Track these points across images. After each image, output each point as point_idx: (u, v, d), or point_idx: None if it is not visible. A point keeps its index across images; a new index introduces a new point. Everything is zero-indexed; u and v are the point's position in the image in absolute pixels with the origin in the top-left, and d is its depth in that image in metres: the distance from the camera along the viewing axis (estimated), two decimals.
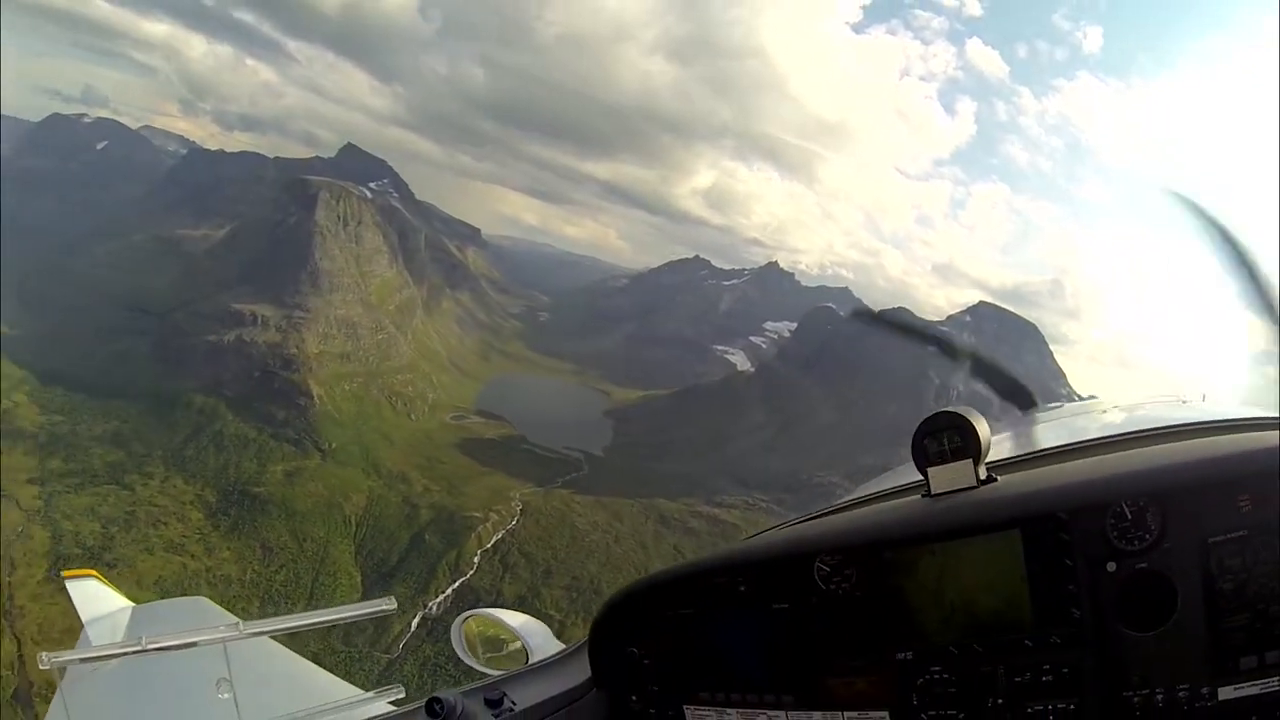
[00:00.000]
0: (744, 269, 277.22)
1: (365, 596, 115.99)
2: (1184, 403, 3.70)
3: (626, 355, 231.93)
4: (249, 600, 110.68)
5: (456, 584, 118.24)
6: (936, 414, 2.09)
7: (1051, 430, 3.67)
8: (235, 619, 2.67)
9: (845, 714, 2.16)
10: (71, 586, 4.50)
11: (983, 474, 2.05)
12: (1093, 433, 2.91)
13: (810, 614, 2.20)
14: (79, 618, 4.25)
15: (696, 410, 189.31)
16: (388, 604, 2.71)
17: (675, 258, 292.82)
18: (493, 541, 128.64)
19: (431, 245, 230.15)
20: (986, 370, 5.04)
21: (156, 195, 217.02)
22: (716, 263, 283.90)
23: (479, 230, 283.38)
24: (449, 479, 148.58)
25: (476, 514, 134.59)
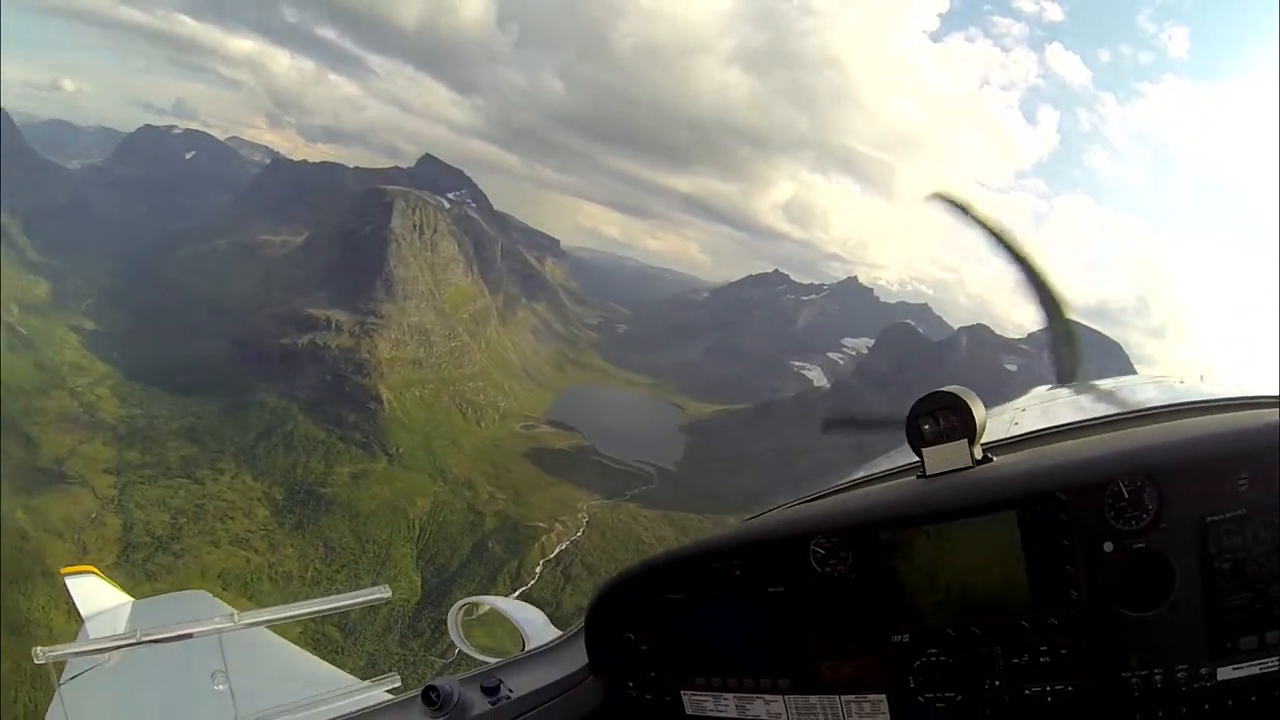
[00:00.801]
0: (823, 284, 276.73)
1: (425, 601, 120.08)
2: (1181, 382, 3.72)
3: (703, 369, 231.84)
4: (308, 598, 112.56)
5: (516, 593, 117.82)
6: (931, 394, 2.08)
7: (1049, 410, 3.68)
8: (234, 611, 2.60)
9: (842, 697, 2.17)
10: (71, 583, 4.53)
11: (978, 454, 2.06)
12: (1090, 413, 2.94)
13: (806, 597, 2.20)
14: (78, 614, 4.30)
15: (771, 426, 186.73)
16: (381, 592, 2.73)
17: (755, 271, 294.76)
18: (556, 552, 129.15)
19: (509, 255, 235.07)
20: (1059, 321, 5.00)
21: (241, 203, 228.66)
22: (796, 277, 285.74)
23: (558, 241, 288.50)
24: (516, 487, 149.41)
25: (541, 524, 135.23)
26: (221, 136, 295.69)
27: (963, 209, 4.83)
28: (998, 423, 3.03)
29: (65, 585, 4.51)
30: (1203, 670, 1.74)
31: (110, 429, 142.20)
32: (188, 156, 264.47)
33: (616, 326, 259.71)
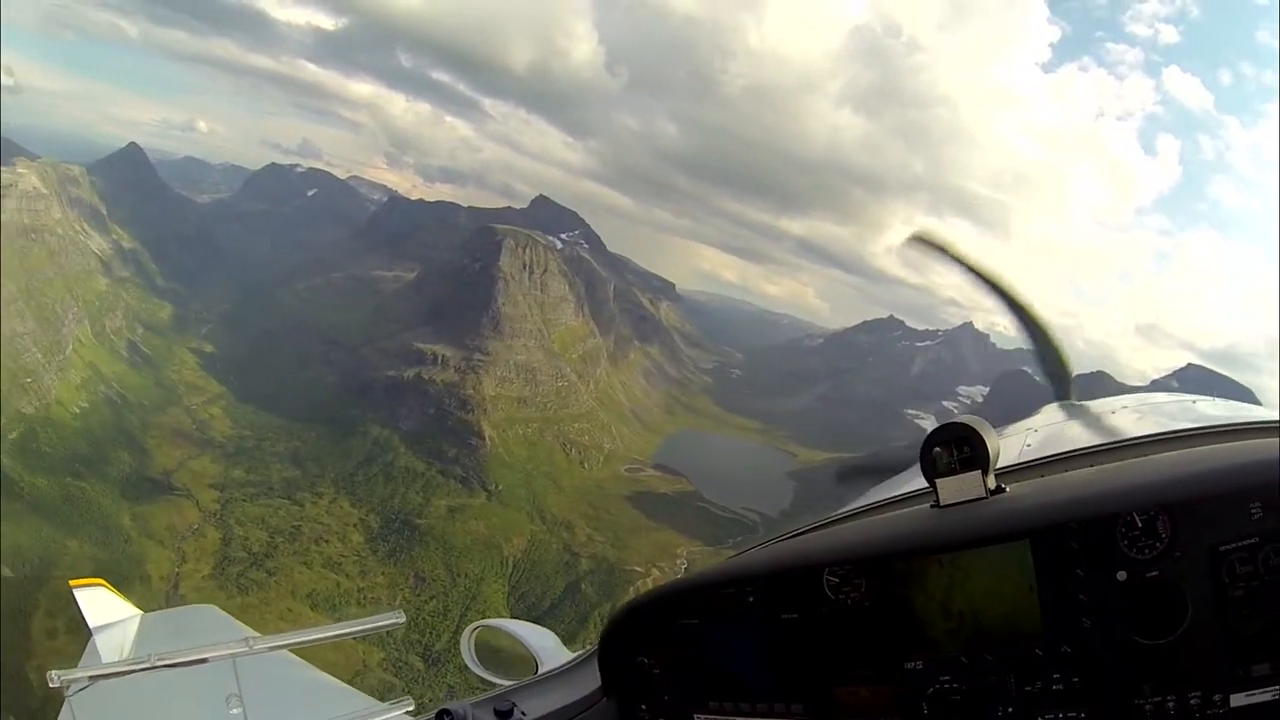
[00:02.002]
0: (938, 330, 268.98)
1: None
2: (1194, 402, 3.86)
3: (816, 416, 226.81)
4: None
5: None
6: (945, 425, 2.16)
7: (1061, 432, 3.76)
8: (248, 630, 2.83)
9: None
10: (79, 595, 4.54)
11: (991, 484, 2.13)
12: (1101, 435, 3.01)
13: (819, 624, 2.26)
14: (87, 627, 4.31)
15: (882, 477, 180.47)
16: (397, 617, 2.69)
17: (870, 317, 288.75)
18: None
19: (621, 297, 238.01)
20: (1042, 342, 5.08)
21: (357, 239, 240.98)
22: (911, 323, 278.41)
23: (673, 285, 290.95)
24: (615, 530, 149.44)
25: (638, 568, 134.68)
26: (342, 175, 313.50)
27: (942, 250, 5.00)
28: (1010, 444, 3.16)
29: (74, 597, 4.49)
30: (1216, 697, 1.77)
31: (219, 447, 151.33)
32: (309, 194, 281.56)
33: (730, 371, 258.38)
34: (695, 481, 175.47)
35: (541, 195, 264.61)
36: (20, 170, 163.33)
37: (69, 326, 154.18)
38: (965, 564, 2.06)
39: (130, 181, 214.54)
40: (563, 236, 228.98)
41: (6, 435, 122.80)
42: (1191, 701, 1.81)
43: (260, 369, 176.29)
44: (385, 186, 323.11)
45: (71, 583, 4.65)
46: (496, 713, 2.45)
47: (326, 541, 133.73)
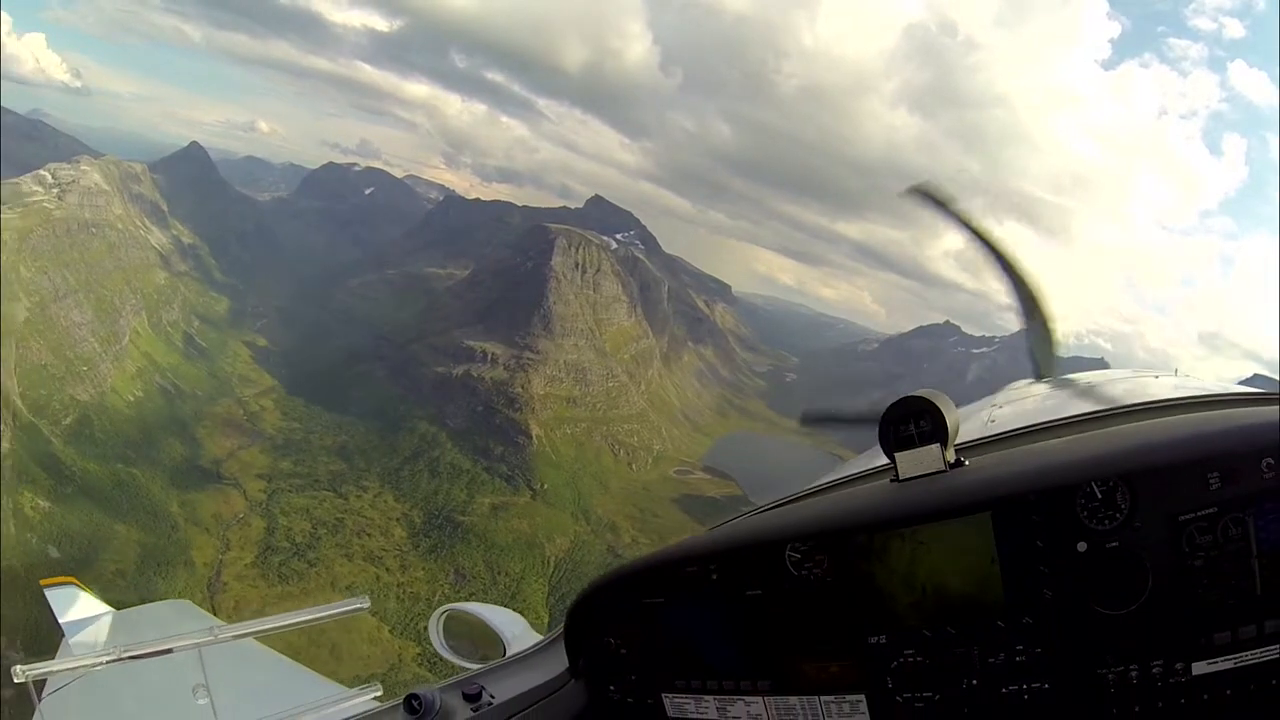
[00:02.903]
0: (995, 336, 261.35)
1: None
2: (1156, 378, 3.89)
3: None
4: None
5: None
6: (904, 399, 2.17)
7: (1023, 408, 3.84)
8: (215, 623, 2.91)
9: (822, 698, 2.26)
10: (50, 595, 4.65)
11: (951, 457, 2.14)
12: (1063, 411, 3.06)
13: (783, 600, 2.29)
14: (59, 627, 4.44)
15: None
16: (361, 603, 2.92)
17: (927, 323, 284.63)
18: None
19: (676, 298, 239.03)
20: (1036, 315, 5.15)
21: (413, 237, 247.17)
22: (967, 329, 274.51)
23: (729, 287, 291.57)
24: (660, 533, 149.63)
25: None
26: (400, 174, 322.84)
27: (943, 205, 4.98)
28: (974, 421, 3.32)
29: (45, 596, 4.64)
30: (1178, 666, 1.83)
31: (268, 438, 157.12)
32: (366, 192, 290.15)
33: (785, 374, 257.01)
34: (744, 485, 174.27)
35: (597, 195, 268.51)
36: (83, 167, 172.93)
37: (126, 318, 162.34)
38: (926, 538, 2.08)
39: (191, 179, 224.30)
40: (618, 237, 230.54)
41: (61, 420, 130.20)
42: (1154, 671, 1.85)
43: (312, 363, 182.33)
44: (442, 185, 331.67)
45: (42, 582, 4.82)
46: (464, 696, 2.49)
47: (369, 535, 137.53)
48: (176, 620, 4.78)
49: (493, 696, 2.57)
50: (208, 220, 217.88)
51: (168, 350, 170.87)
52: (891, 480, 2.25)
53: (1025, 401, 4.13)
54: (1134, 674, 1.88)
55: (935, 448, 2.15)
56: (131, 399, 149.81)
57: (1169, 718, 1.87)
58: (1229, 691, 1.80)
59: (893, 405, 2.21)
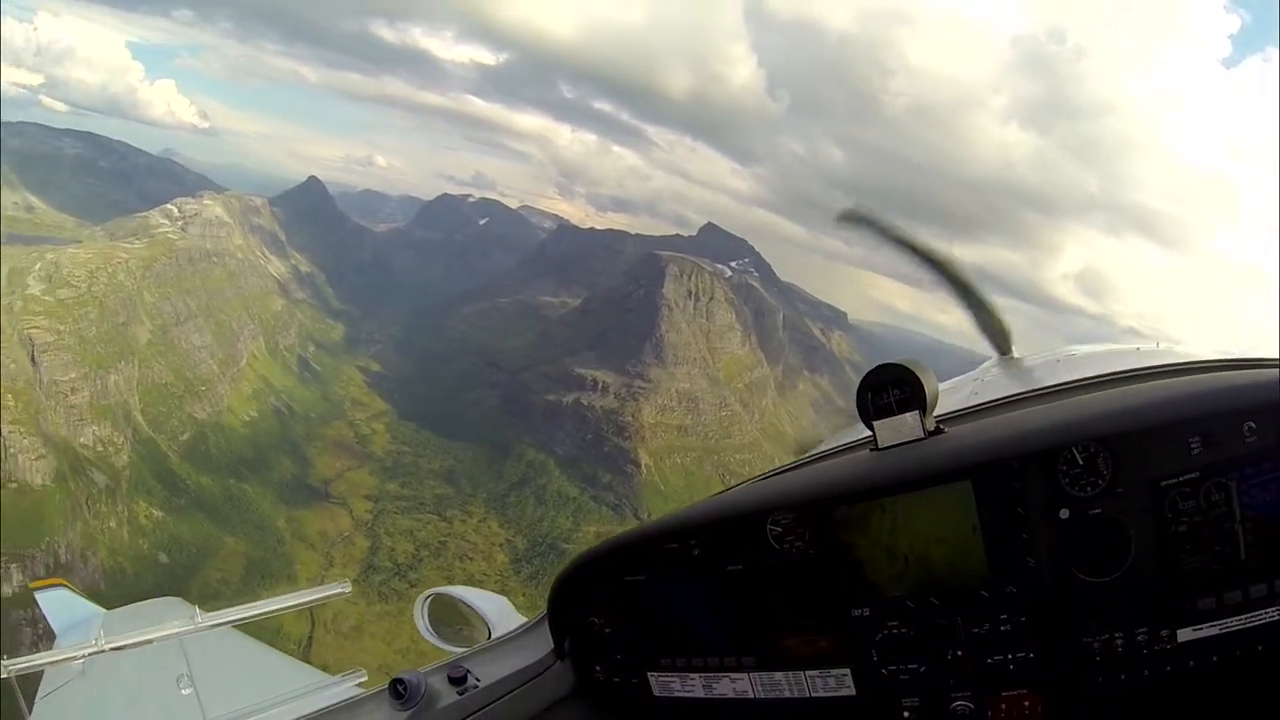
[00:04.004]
0: None
1: None
2: (1138, 350, 3.93)
3: None
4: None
5: None
6: (880, 366, 2.17)
7: (1006, 380, 3.85)
8: (196, 612, 3.09)
9: (807, 672, 2.29)
10: (40, 597, 4.78)
11: (930, 425, 2.14)
12: (1045, 381, 3.10)
13: (765, 574, 2.30)
14: (51, 628, 4.58)
15: None
16: (341, 587, 3.06)
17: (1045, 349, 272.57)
18: None
19: (791, 326, 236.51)
20: (978, 305, 5.18)
21: (526, 266, 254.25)
22: None
23: (845, 314, 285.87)
24: None
25: None
26: (514, 205, 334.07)
27: (870, 223, 4.94)
28: (957, 395, 3.40)
29: (35, 600, 4.79)
30: (1162, 633, 1.85)
31: (378, 461, 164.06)
32: (481, 222, 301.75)
33: None
34: None
35: (711, 223, 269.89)
36: (206, 201, 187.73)
37: (244, 342, 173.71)
38: (907, 507, 2.08)
39: (310, 211, 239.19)
40: (732, 264, 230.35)
41: (178, 436, 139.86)
42: (1138, 638, 1.87)
43: (424, 389, 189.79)
44: (556, 215, 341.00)
45: (31, 585, 5.59)
46: (450, 679, 2.51)
47: (470, 559, 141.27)
48: (166, 616, 4.45)
49: (478, 679, 2.56)
50: (325, 250, 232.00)
51: (283, 373, 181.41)
52: (871, 450, 2.22)
53: (1007, 374, 4.16)
54: (1119, 641, 1.90)
55: (914, 415, 2.12)
56: (246, 418, 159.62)
57: (1154, 685, 1.89)
58: (1215, 658, 1.82)
59: (870, 373, 2.17)
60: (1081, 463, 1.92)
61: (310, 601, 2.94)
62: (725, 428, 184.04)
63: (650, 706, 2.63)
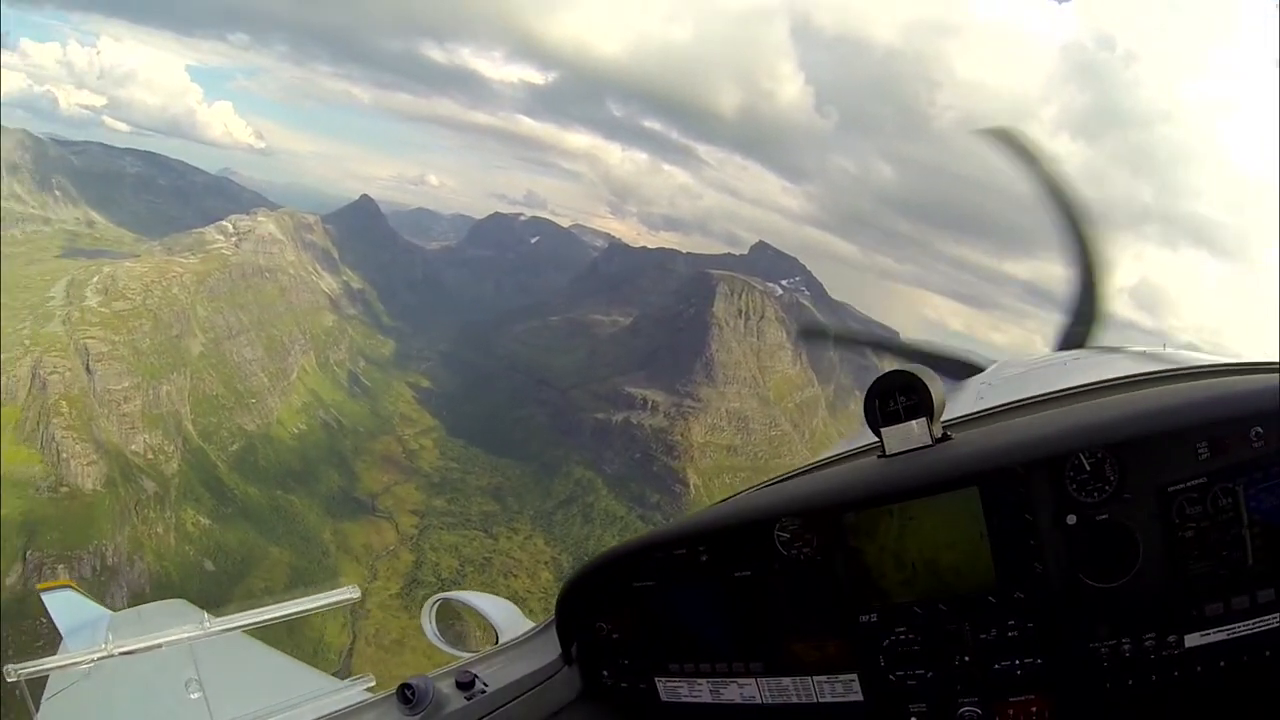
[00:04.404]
0: None
1: None
2: (1144, 353, 4.01)
3: None
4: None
5: None
6: (887, 374, 2.19)
7: (1013, 385, 3.92)
8: (205, 616, 3.06)
9: (814, 678, 2.29)
10: (47, 599, 4.77)
11: (937, 432, 2.16)
12: (1052, 386, 3.16)
13: (773, 580, 2.31)
14: (57, 630, 4.55)
15: None
16: (351, 592, 3.04)
17: None
18: None
19: (844, 345, 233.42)
20: (932, 360, 5.37)
21: (577, 284, 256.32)
22: None
23: (898, 333, 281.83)
24: None
25: None
26: (566, 224, 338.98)
27: (1021, 150, 5.04)
28: (964, 399, 3.50)
29: (42, 602, 4.75)
30: (1170, 638, 1.84)
31: (425, 476, 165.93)
32: (532, 241, 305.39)
33: None
34: None
35: (761, 241, 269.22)
36: (260, 218, 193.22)
37: (295, 356, 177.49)
38: (915, 513, 2.09)
39: (362, 229, 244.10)
40: (783, 283, 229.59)
41: (228, 447, 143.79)
42: (1146, 643, 1.87)
43: (473, 406, 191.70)
44: (608, 234, 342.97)
45: (39, 586, 4.90)
46: (458, 684, 2.50)
47: (515, 576, 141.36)
48: (172, 620, 4.25)
49: (486, 685, 2.55)
50: (377, 267, 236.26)
51: (333, 388, 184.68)
52: (878, 456, 2.23)
53: (1014, 379, 4.19)
54: (1126, 647, 1.89)
55: (921, 422, 2.14)
56: (295, 431, 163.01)
57: (1163, 690, 1.89)
58: (1222, 663, 1.82)
59: (877, 380, 2.19)
60: (1088, 468, 1.92)
61: (320, 607, 2.89)
62: (775, 448, 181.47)
63: (658, 712, 2.62)
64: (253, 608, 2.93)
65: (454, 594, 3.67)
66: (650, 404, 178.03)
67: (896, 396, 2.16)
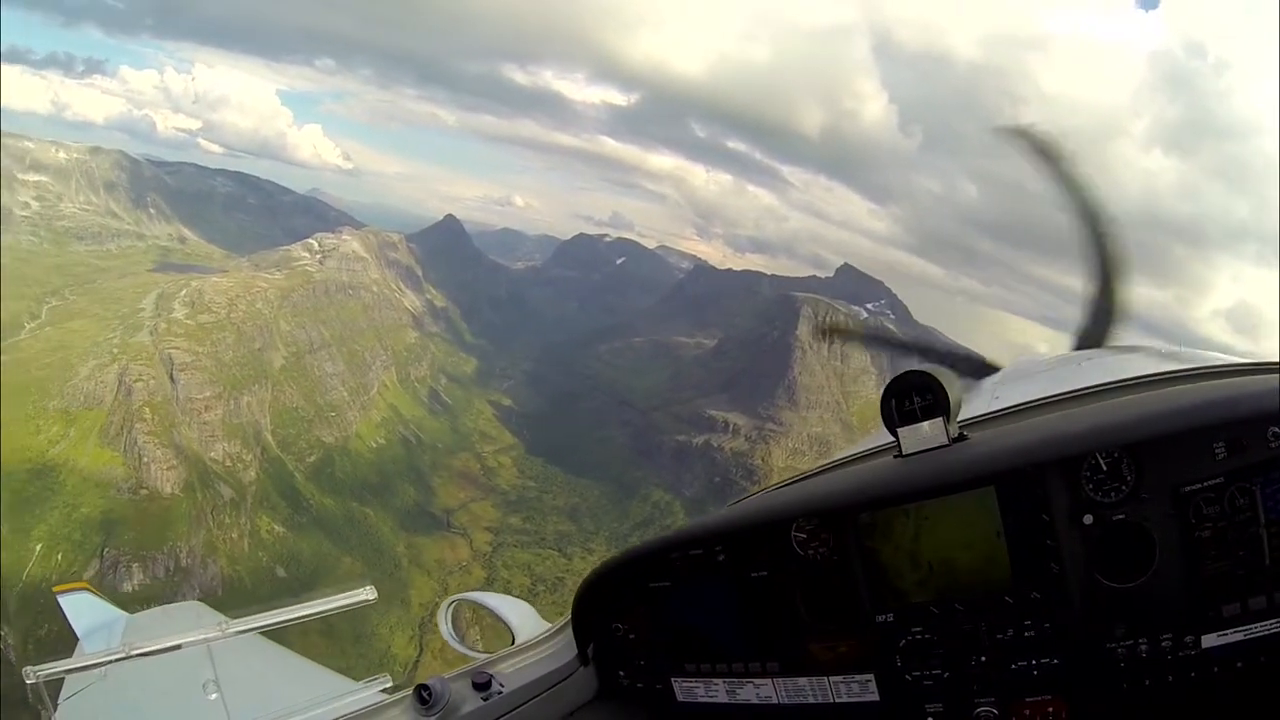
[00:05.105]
0: None
1: None
2: (1160, 353, 4.04)
3: None
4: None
5: None
6: (903, 374, 2.20)
7: (1028, 384, 3.93)
8: (223, 619, 2.93)
9: (831, 678, 2.31)
10: (63, 601, 4.80)
11: (954, 432, 2.16)
12: (1068, 385, 3.18)
13: (789, 580, 2.33)
14: (73, 633, 4.57)
15: None
16: (367, 593, 2.98)
17: None
18: None
19: None
20: (944, 357, 5.49)
21: (662, 305, 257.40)
22: None
23: (983, 358, 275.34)
24: None
25: None
26: (651, 245, 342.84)
27: (1042, 149, 5.08)
28: (979, 398, 3.56)
29: (58, 604, 4.76)
30: (1187, 639, 1.86)
31: (502, 494, 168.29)
32: (617, 262, 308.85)
33: None
34: None
35: (846, 264, 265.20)
36: (344, 236, 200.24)
37: (376, 372, 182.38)
38: (931, 513, 2.10)
39: (447, 248, 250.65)
40: (868, 306, 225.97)
41: (305, 458, 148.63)
42: (1163, 644, 1.87)
43: (554, 425, 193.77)
44: (694, 256, 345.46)
45: (55, 589, 4.89)
46: (474, 685, 2.52)
47: None
48: (188, 621, 4.60)
49: (502, 685, 2.57)
50: (461, 286, 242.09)
51: (413, 404, 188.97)
52: (895, 456, 2.24)
53: (1029, 378, 4.21)
54: (1143, 648, 1.90)
55: (938, 422, 2.14)
56: (374, 445, 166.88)
57: (1179, 691, 1.89)
58: (1240, 664, 1.82)
59: (893, 380, 2.21)
60: (1105, 468, 1.92)
61: (336, 608, 2.82)
62: None
63: (674, 712, 2.63)
64: (269, 609, 2.88)
65: (470, 595, 3.70)
66: (731, 427, 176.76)
67: (912, 396, 2.16)
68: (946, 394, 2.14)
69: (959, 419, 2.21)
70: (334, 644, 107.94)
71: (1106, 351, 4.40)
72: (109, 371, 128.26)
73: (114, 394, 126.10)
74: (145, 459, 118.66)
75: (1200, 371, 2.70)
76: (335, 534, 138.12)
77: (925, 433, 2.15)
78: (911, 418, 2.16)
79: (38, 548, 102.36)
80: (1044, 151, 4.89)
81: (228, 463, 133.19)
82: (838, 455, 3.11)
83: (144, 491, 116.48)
